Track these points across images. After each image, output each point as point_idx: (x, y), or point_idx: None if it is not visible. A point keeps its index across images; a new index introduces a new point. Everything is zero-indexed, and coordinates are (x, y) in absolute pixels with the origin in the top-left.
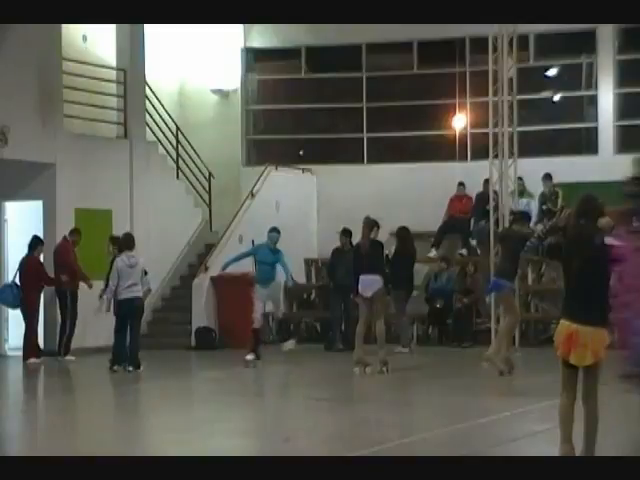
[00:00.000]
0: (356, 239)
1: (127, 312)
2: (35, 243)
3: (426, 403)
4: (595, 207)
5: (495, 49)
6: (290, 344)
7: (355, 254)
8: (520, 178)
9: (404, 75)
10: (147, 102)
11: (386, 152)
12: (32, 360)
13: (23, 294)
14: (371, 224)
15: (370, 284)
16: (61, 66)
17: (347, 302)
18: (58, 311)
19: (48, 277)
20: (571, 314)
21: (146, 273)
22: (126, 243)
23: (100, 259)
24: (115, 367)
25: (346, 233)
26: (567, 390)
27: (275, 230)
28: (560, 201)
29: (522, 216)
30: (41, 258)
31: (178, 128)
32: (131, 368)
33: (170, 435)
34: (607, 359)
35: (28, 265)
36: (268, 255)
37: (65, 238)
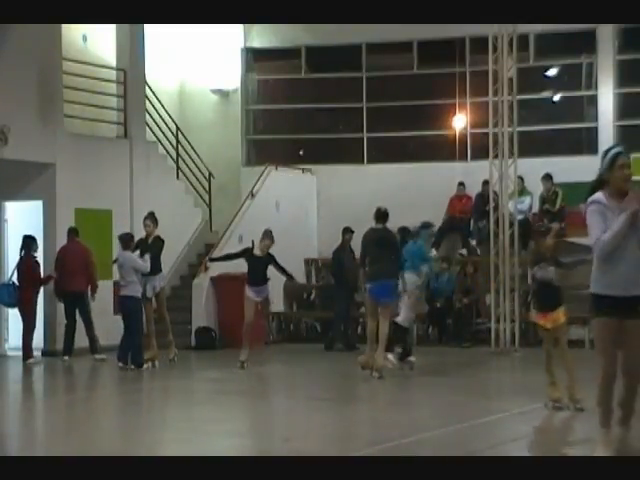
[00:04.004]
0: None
1: (120, 310)
2: (27, 243)
3: (426, 403)
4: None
5: (495, 49)
6: (391, 357)
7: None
8: (520, 177)
9: (404, 75)
10: (147, 102)
11: (386, 152)
12: (32, 360)
13: (21, 294)
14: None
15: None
16: (61, 66)
17: (350, 302)
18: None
19: (40, 277)
20: (542, 306)
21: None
22: (120, 244)
23: (100, 259)
24: (120, 363)
25: (348, 231)
26: (547, 347)
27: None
28: (559, 201)
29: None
30: (40, 256)
31: (178, 128)
32: (132, 366)
33: (170, 435)
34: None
35: (25, 265)
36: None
37: (76, 240)
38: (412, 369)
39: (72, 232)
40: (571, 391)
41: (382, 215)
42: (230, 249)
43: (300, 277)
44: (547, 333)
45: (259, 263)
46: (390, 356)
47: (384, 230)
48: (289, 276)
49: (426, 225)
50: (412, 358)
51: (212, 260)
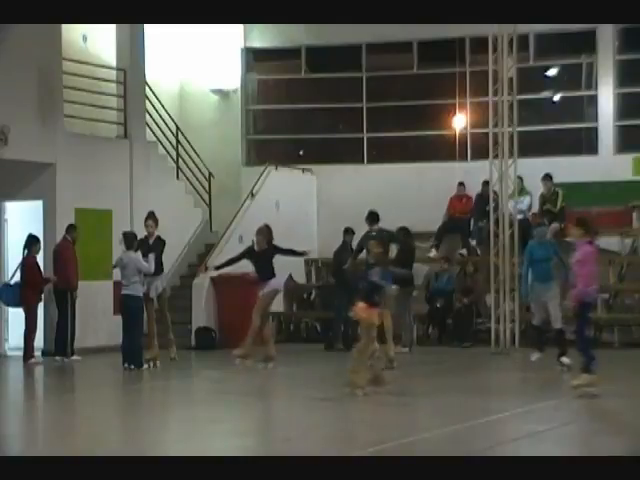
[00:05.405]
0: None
1: (122, 309)
2: (30, 242)
3: (426, 403)
4: None
5: (495, 49)
6: (537, 356)
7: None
8: (519, 176)
9: (404, 75)
10: (147, 102)
11: (386, 152)
12: (32, 360)
13: (23, 294)
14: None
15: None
16: (61, 66)
17: (350, 302)
18: (56, 311)
19: (41, 277)
20: (372, 302)
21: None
22: (124, 242)
23: (100, 259)
24: (125, 365)
25: (349, 232)
26: (369, 339)
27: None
28: (560, 202)
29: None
30: (41, 256)
31: (178, 128)
32: (132, 366)
33: (170, 435)
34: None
35: (27, 265)
36: (540, 251)
37: (65, 237)
38: (567, 371)
39: (67, 229)
40: (380, 380)
41: (372, 217)
42: (230, 249)
43: (300, 277)
44: (371, 327)
45: (260, 259)
46: (565, 359)
47: (378, 230)
48: (300, 253)
49: (539, 224)
50: (565, 359)
51: (217, 268)
